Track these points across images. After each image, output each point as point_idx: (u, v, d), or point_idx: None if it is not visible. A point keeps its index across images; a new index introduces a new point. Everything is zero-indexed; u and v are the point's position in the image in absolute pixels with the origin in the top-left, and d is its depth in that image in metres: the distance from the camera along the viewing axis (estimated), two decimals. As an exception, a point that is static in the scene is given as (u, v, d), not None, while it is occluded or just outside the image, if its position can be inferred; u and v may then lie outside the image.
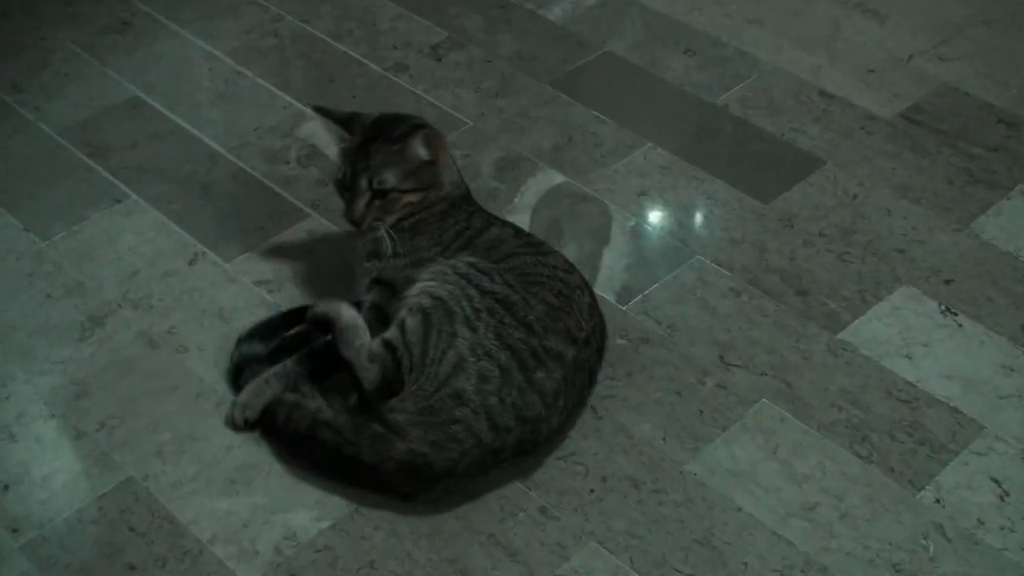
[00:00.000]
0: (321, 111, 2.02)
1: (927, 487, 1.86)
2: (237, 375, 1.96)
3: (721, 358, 2.05)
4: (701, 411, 1.97)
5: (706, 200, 2.36)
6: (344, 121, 2.00)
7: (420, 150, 1.95)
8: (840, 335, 2.09)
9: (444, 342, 1.78)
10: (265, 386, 1.88)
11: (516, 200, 2.33)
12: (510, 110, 2.54)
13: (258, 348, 1.96)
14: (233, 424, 1.90)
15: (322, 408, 1.82)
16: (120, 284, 2.19)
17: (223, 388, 2.01)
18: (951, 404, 1.98)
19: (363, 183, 1.95)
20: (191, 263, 2.23)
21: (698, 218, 2.33)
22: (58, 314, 2.13)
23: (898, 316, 2.12)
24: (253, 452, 1.89)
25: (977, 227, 2.28)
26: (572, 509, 1.83)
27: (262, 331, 2.00)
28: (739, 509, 1.83)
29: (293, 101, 2.58)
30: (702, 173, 2.41)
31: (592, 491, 1.85)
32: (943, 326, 2.11)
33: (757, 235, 2.28)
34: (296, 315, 2.02)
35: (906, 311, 2.13)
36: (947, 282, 2.18)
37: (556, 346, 1.81)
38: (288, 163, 2.44)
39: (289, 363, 1.90)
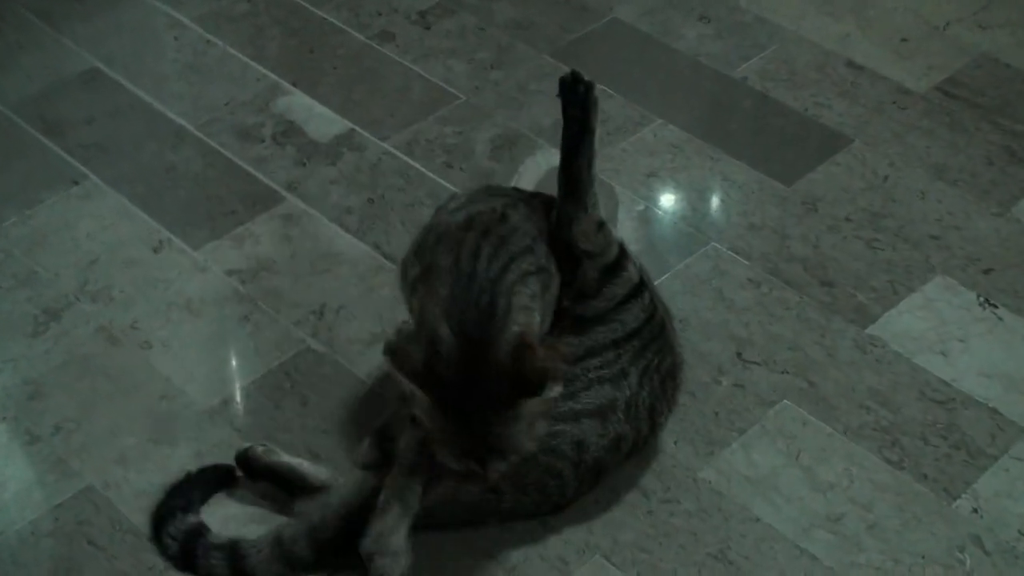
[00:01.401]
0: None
1: (964, 495, 1.87)
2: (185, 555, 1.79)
3: (738, 355, 2.06)
4: (716, 413, 1.98)
5: (722, 182, 2.36)
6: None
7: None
8: (869, 330, 2.09)
9: None
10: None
11: (513, 182, 2.33)
12: (507, 83, 2.54)
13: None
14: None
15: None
16: (78, 274, 2.19)
17: (192, 388, 2.01)
18: (990, 405, 1.98)
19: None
20: (155, 251, 2.23)
21: (713, 202, 2.33)
22: (9, 307, 2.13)
23: (932, 309, 2.13)
24: (224, 458, 1.89)
25: (1019, 211, 2.28)
26: (575, 521, 1.83)
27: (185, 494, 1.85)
28: (758, 520, 1.84)
29: (268, 72, 2.58)
30: (718, 152, 2.41)
31: (597, 501, 1.85)
32: (981, 319, 2.11)
33: (778, 220, 2.28)
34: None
35: (941, 303, 2.13)
36: (986, 271, 2.18)
37: None
38: (262, 141, 2.44)
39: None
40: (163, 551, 1.79)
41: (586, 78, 1.78)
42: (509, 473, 1.71)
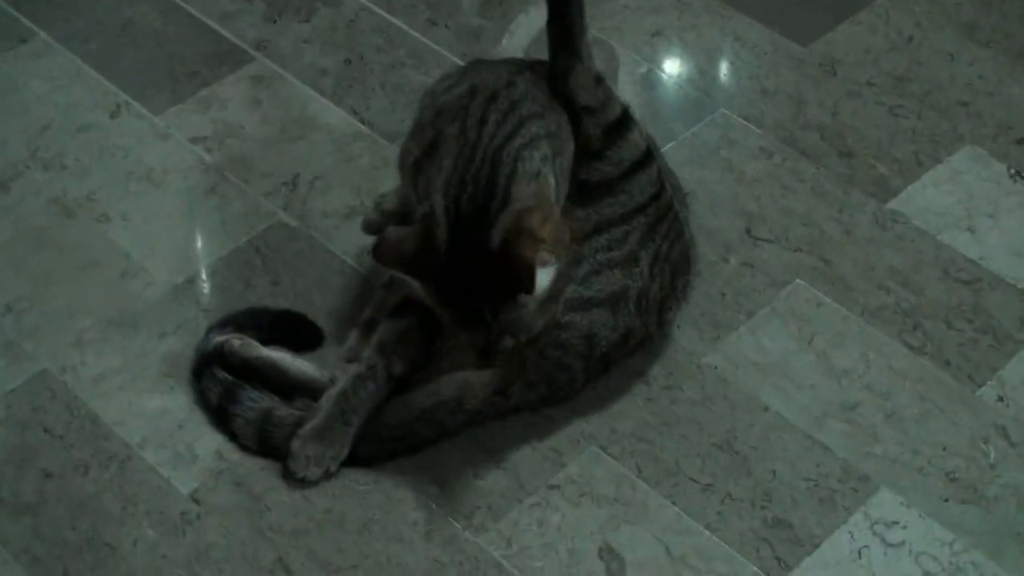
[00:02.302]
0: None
1: (989, 383, 1.86)
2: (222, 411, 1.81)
3: (748, 231, 2.04)
4: (723, 294, 1.96)
5: (733, 42, 2.32)
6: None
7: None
8: (890, 204, 2.07)
9: None
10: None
11: (504, 41, 2.30)
12: (497, -68, 2.48)
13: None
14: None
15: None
16: (28, 141, 2.16)
17: (154, 264, 1.99)
18: (1020, 286, 1.97)
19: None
20: (113, 115, 2.20)
21: (723, 64, 2.30)
22: (-47, 176, 2.11)
23: (959, 182, 2.10)
24: (189, 341, 1.88)
25: (1057, 75, 2.26)
26: (568, 408, 1.83)
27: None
28: (766, 408, 1.83)
29: (234, -81, 2.51)
30: (729, 9, 2.37)
31: (592, 387, 1.84)
32: (1013, 193, 2.09)
33: (793, 85, 2.25)
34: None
35: (969, 176, 2.11)
36: (1019, 141, 2.16)
37: None
38: (228, -5, 2.40)
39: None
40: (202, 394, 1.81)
41: None
42: (518, 371, 1.74)
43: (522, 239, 1.61)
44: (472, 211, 1.65)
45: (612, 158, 1.80)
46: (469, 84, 1.78)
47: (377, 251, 1.66)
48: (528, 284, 1.60)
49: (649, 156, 1.83)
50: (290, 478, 1.74)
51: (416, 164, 1.76)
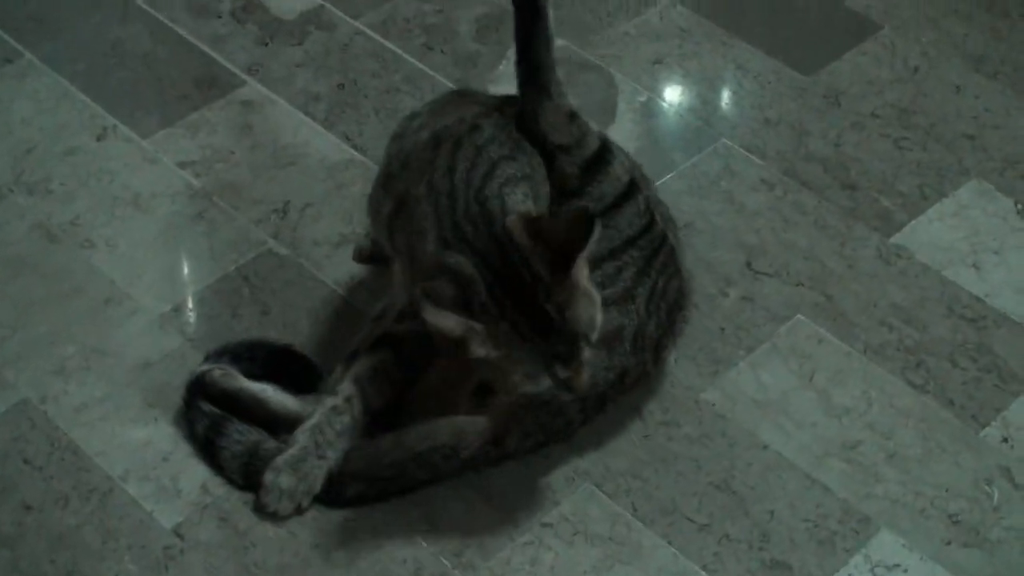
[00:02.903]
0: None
1: (993, 423, 1.87)
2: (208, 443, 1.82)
3: (748, 264, 2.05)
4: (722, 328, 1.97)
5: (735, 71, 2.34)
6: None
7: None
8: (894, 239, 2.08)
9: None
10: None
11: (501, 67, 2.30)
12: (495, -45, 2.50)
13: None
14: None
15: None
16: (12, 164, 2.17)
17: (139, 292, 1.99)
18: (1026, 324, 1.99)
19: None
20: (99, 139, 2.21)
21: (725, 93, 2.31)
22: (-65, 199, 2.12)
23: (965, 216, 2.12)
24: (175, 371, 1.89)
25: (1065, 109, 2.27)
26: (562, 444, 1.83)
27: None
28: (765, 447, 1.84)
29: (226, -60, 2.53)
30: (731, 38, 2.38)
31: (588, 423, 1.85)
32: (1019, 229, 2.10)
33: (796, 115, 2.26)
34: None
35: (975, 210, 2.12)
36: (1026, 176, 2.18)
37: None
38: (220, 17, 2.41)
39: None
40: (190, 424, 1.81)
41: None
42: (513, 420, 1.74)
43: (539, 219, 1.62)
44: (488, 241, 1.63)
45: (593, 194, 1.81)
46: (431, 132, 1.78)
47: (428, 298, 1.60)
48: (574, 235, 1.58)
49: (633, 187, 1.84)
50: (261, 511, 1.75)
51: (390, 220, 1.77)
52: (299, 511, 1.75)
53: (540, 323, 1.62)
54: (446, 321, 1.60)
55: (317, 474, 1.74)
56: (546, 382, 1.64)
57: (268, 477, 1.74)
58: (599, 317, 1.66)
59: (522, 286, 1.62)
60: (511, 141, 1.78)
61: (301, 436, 1.75)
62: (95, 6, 2.41)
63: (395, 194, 1.77)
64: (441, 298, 1.60)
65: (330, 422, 1.75)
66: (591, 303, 1.65)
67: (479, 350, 1.62)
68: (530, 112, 1.81)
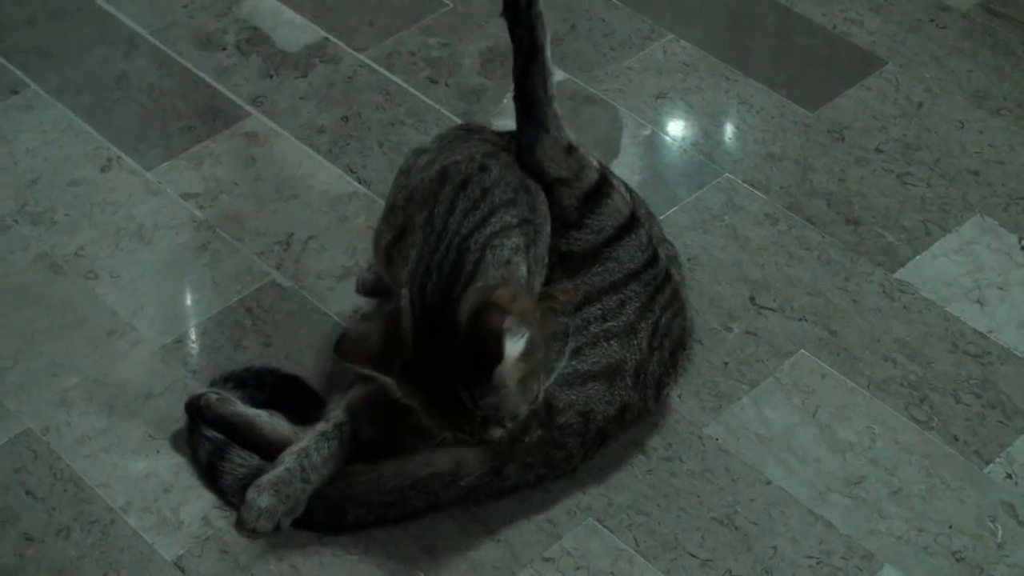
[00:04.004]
0: None
1: (997, 459, 1.87)
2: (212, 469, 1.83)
3: (752, 299, 2.06)
4: (726, 363, 1.98)
5: (739, 106, 2.35)
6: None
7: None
8: (897, 274, 2.09)
9: None
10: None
11: (505, 101, 2.31)
12: (500, -11, 2.52)
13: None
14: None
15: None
16: (16, 194, 2.18)
17: (143, 323, 2.00)
18: (1030, 360, 1.99)
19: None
20: (104, 170, 2.22)
21: (728, 128, 2.32)
22: (-61, 229, 2.13)
23: (968, 252, 2.13)
24: (177, 403, 1.89)
25: (1069, 145, 2.28)
26: (564, 478, 1.83)
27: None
28: (769, 482, 1.84)
29: (232, -28, 2.56)
30: (734, 72, 2.40)
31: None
32: (1023, 265, 2.11)
33: (800, 150, 2.27)
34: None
35: (978, 246, 2.13)
36: (1030, 212, 2.19)
37: None
38: (224, 49, 2.42)
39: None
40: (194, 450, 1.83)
41: None
42: (512, 451, 1.74)
43: (488, 311, 1.60)
44: (438, 300, 1.64)
45: (592, 226, 1.82)
46: (440, 167, 1.80)
47: (340, 349, 1.67)
48: (497, 351, 1.58)
49: (635, 220, 1.85)
50: (240, 527, 1.76)
51: (388, 249, 1.79)
52: (277, 530, 1.76)
53: (452, 400, 1.64)
54: (359, 371, 1.66)
55: (299, 497, 1.75)
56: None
57: (250, 494, 1.76)
58: (525, 409, 1.67)
59: (446, 360, 1.62)
60: (516, 181, 1.79)
61: (288, 458, 1.76)
62: (101, 39, 2.43)
63: (396, 225, 1.79)
64: (361, 349, 1.65)
65: (318, 447, 1.76)
66: (518, 397, 1.65)
67: (394, 394, 1.67)
68: (527, 146, 1.83)
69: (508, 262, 1.69)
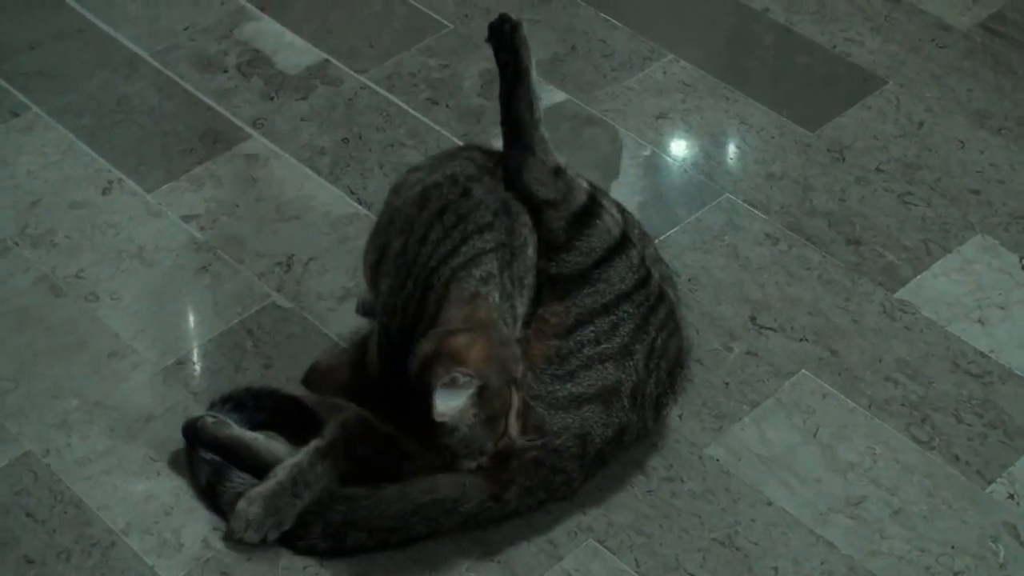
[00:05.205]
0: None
1: (999, 479, 1.87)
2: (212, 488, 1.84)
3: (753, 319, 2.06)
4: (726, 383, 1.98)
5: (739, 126, 2.36)
6: None
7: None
8: (898, 294, 2.10)
9: None
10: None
11: (505, 122, 2.33)
12: (500, 10, 2.52)
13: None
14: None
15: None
16: (17, 217, 2.19)
17: (143, 345, 2.01)
18: (1031, 380, 2.00)
19: None
20: (104, 192, 2.23)
21: (729, 148, 2.33)
22: (-60, 252, 2.14)
23: (969, 271, 2.13)
24: (178, 425, 1.89)
25: (1070, 164, 2.29)
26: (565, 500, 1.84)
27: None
28: (770, 503, 1.85)
29: (232, -5, 2.57)
30: (735, 92, 2.40)
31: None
32: (1024, 285, 2.12)
33: (801, 170, 2.28)
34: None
35: (979, 265, 2.14)
36: (1031, 231, 2.19)
37: None
38: (225, 72, 2.43)
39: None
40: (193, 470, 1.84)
41: (513, 18, 1.86)
42: (511, 476, 1.76)
43: (436, 363, 1.62)
44: (400, 340, 1.67)
45: (581, 248, 1.83)
46: (422, 188, 1.81)
47: (308, 381, 1.70)
48: (428, 408, 1.61)
49: (625, 241, 1.85)
50: (228, 537, 1.77)
51: (373, 270, 1.81)
52: (264, 541, 1.77)
53: (419, 436, 1.68)
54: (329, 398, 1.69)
55: (289, 510, 1.76)
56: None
57: (241, 505, 1.77)
58: (491, 447, 1.70)
59: (407, 398, 1.65)
60: (497, 203, 1.80)
61: (280, 471, 1.78)
62: (102, 62, 2.44)
63: (379, 246, 1.81)
64: (330, 381, 1.70)
65: (311, 464, 1.78)
66: (481, 436, 1.68)
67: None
68: (514, 170, 1.84)
69: (475, 295, 1.70)
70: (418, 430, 1.67)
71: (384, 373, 1.68)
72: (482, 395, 1.65)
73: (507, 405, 1.69)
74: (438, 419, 1.62)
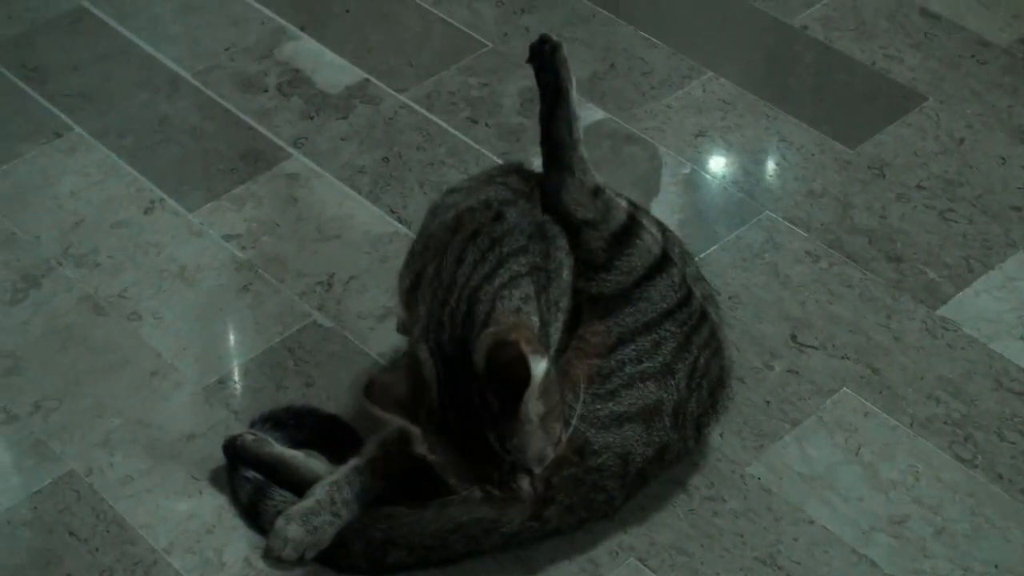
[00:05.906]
0: None
1: (1043, 499, 1.87)
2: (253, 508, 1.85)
3: (793, 337, 2.06)
4: (768, 402, 1.98)
5: (779, 143, 2.36)
6: None
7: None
8: (940, 311, 2.09)
9: None
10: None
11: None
12: (539, 29, 2.53)
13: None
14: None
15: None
16: (60, 237, 2.21)
17: (185, 364, 2.02)
18: (1076, 398, 1.98)
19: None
20: (146, 212, 2.25)
21: (769, 165, 2.33)
22: (-15, 272, 2.16)
23: (1012, 288, 2.12)
24: (219, 444, 1.90)
25: (1113, 180, 2.28)
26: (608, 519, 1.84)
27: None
28: (812, 521, 1.84)
29: (273, 15, 2.58)
30: (774, 110, 2.40)
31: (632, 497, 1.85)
32: (1068, 302, 2.11)
33: (841, 187, 2.28)
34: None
35: (1022, 282, 2.13)
36: (1074, 248, 2.18)
37: None
38: (266, 91, 2.45)
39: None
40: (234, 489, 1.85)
41: (554, 38, 1.86)
42: (552, 496, 1.74)
43: (504, 345, 1.59)
44: (456, 349, 1.65)
45: (622, 267, 1.83)
46: (456, 213, 1.80)
47: (370, 393, 1.66)
48: (523, 373, 1.57)
49: (666, 260, 1.85)
50: (267, 555, 1.78)
51: (408, 294, 1.80)
52: (302, 559, 1.77)
53: (479, 448, 1.63)
54: (386, 417, 1.65)
55: (327, 529, 1.77)
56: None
57: (279, 523, 1.77)
58: (551, 451, 1.66)
59: (471, 406, 1.63)
60: (531, 227, 1.79)
61: (319, 490, 1.78)
62: (144, 83, 2.46)
63: (414, 271, 1.80)
64: (388, 395, 1.65)
65: (350, 481, 1.78)
66: (543, 438, 1.65)
67: (418, 448, 1.66)
68: (553, 190, 1.84)
69: (518, 311, 1.70)
70: (477, 445, 1.63)
71: (441, 389, 1.64)
72: (547, 382, 1.63)
73: (559, 406, 1.67)
74: (535, 382, 1.58)
